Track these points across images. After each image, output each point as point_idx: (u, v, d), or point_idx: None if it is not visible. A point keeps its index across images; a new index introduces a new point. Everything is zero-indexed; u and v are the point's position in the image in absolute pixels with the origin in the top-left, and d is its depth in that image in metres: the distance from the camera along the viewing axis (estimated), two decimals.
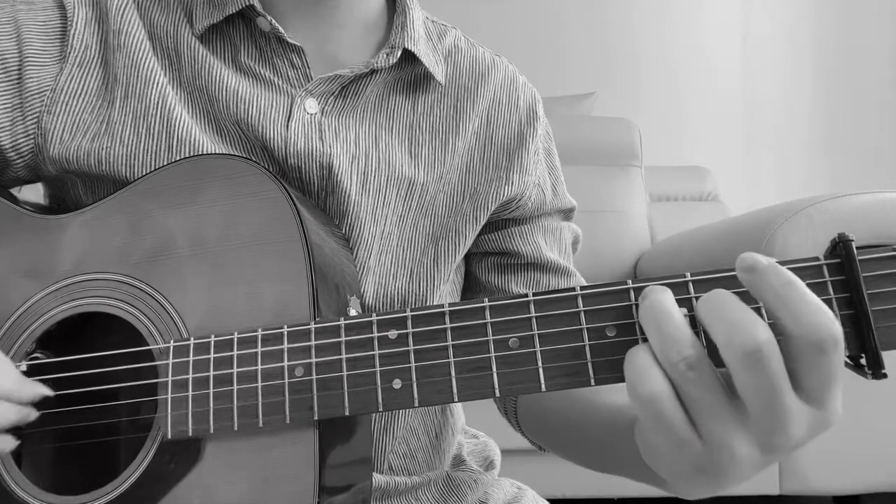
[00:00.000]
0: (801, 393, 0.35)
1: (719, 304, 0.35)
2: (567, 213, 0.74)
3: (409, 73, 0.64)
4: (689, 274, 0.38)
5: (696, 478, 0.38)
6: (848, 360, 0.36)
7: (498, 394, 0.40)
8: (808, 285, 0.36)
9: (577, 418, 0.58)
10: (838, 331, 0.34)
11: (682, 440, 0.36)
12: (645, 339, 0.38)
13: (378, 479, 0.62)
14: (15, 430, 0.48)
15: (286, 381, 0.43)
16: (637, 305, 0.39)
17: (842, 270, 0.37)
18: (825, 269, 0.37)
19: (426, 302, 0.63)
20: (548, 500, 0.73)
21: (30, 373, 0.49)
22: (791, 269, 0.37)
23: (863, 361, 0.36)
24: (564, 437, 0.62)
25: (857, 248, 0.36)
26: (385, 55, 0.61)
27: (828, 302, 0.37)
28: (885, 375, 0.35)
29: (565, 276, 0.70)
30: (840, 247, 0.36)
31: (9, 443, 0.47)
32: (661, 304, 0.37)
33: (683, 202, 2.38)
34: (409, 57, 0.63)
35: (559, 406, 0.61)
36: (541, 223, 0.70)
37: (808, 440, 0.37)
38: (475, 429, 0.79)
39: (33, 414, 0.47)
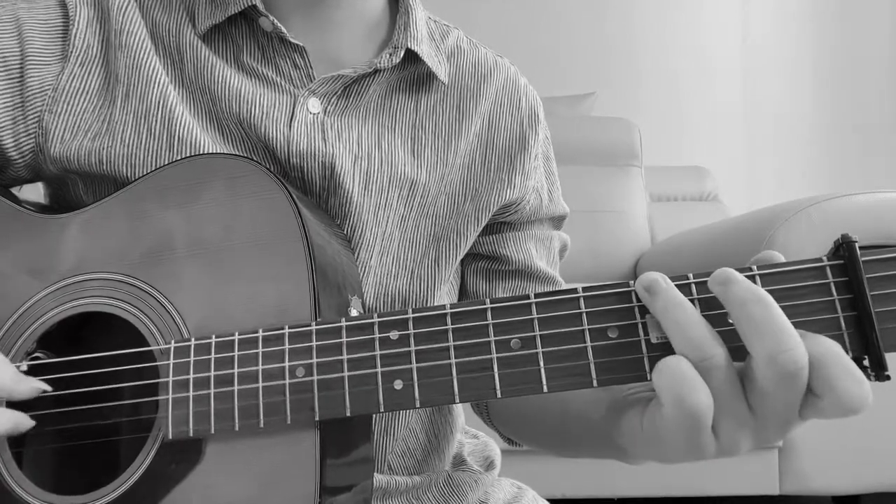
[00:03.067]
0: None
1: (766, 316, 0.35)
2: (558, 221, 0.74)
3: (412, 73, 0.64)
4: (691, 275, 0.38)
5: (689, 461, 0.40)
6: None
7: (500, 395, 0.40)
8: (811, 287, 0.36)
9: (556, 410, 0.59)
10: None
11: (704, 443, 0.37)
12: (648, 340, 0.38)
13: (379, 478, 0.62)
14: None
15: (287, 381, 0.43)
16: (640, 307, 0.39)
17: (845, 272, 0.36)
18: (828, 270, 0.37)
19: (426, 302, 0.63)
20: (548, 500, 0.72)
21: (31, 373, 0.48)
22: (794, 271, 0.37)
23: (866, 363, 0.36)
24: (538, 430, 0.64)
25: (861, 248, 0.36)
26: (388, 55, 0.61)
27: (831, 304, 0.37)
28: (888, 377, 0.35)
29: (551, 285, 0.71)
30: (843, 248, 0.36)
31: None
32: (677, 300, 0.37)
33: (683, 202, 2.38)
34: (411, 57, 0.62)
35: (541, 403, 0.61)
36: (533, 231, 0.71)
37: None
38: (475, 429, 0.79)
39: (27, 423, 0.47)
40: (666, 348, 0.37)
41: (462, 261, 0.70)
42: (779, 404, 0.36)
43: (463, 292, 0.71)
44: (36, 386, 0.47)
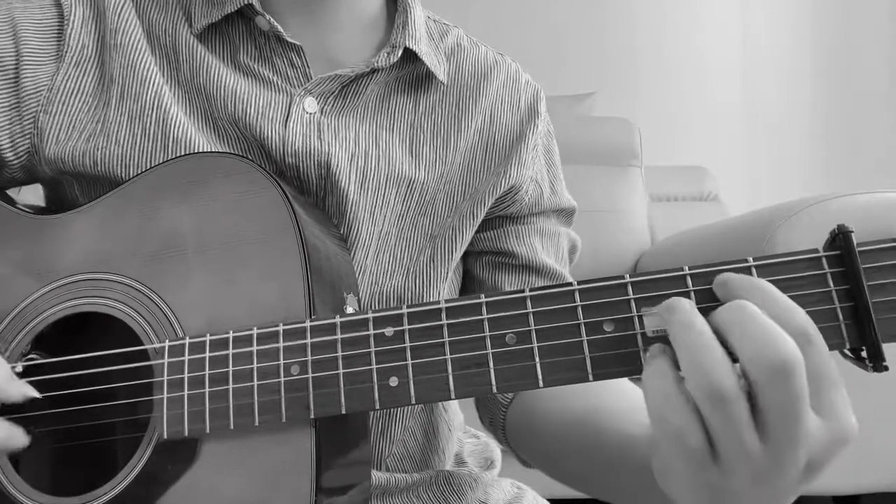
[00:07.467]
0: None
1: (748, 317, 0.34)
2: (566, 214, 0.73)
3: (411, 73, 0.64)
4: (686, 267, 0.38)
5: (709, 500, 0.36)
6: (848, 353, 0.36)
7: (496, 390, 0.39)
8: (807, 278, 0.36)
9: (579, 443, 0.56)
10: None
11: (702, 464, 0.35)
12: (644, 334, 0.38)
13: (378, 476, 0.61)
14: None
15: (282, 379, 0.43)
16: (635, 300, 0.38)
17: (841, 262, 0.36)
18: (824, 260, 0.37)
19: (423, 301, 0.62)
20: (548, 500, 0.72)
21: (26, 374, 0.48)
22: (790, 262, 0.37)
23: (863, 354, 0.36)
24: (563, 462, 0.61)
25: (858, 244, 0.36)
26: (386, 54, 0.61)
27: (827, 294, 0.36)
28: (886, 368, 0.35)
29: (560, 281, 0.69)
30: (839, 238, 0.36)
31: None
32: (694, 327, 0.34)
33: (683, 202, 2.37)
34: (410, 56, 0.62)
35: (559, 431, 0.59)
36: (538, 224, 0.70)
37: (824, 461, 0.35)
38: (475, 429, 0.79)
39: (20, 439, 0.46)
40: (661, 342, 0.37)
41: (469, 257, 0.70)
42: (776, 411, 0.33)
43: (472, 287, 0.70)
44: (25, 391, 0.46)
